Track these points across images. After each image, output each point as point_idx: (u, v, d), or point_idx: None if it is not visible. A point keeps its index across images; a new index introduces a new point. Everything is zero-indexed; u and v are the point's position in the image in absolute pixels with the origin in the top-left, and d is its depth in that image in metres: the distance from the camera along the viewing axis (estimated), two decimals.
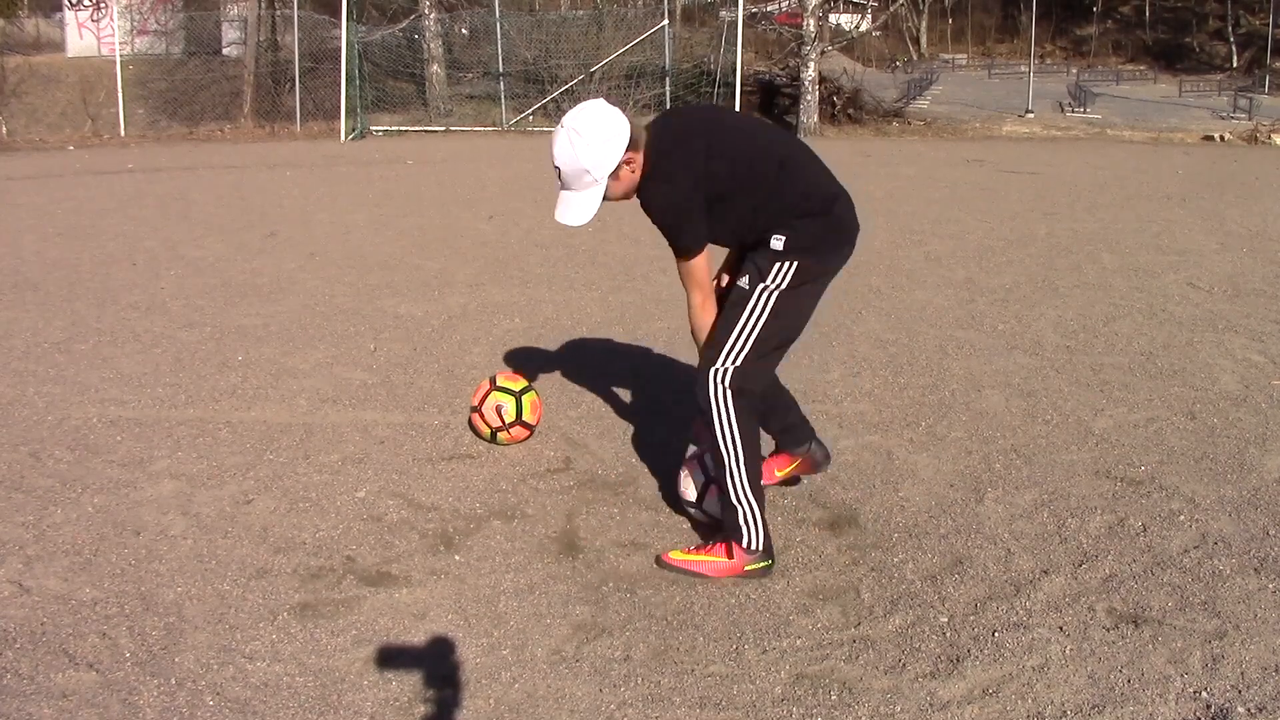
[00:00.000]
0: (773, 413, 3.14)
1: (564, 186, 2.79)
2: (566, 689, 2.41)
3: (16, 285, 6.53)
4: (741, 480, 2.84)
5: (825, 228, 2.83)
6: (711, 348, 2.84)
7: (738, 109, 17.87)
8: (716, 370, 2.81)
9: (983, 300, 6.07)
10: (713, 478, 3.07)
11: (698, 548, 2.98)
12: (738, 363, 2.81)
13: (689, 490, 3.16)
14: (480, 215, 9.31)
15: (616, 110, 2.75)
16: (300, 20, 19.45)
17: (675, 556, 2.95)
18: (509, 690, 2.41)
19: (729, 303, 2.87)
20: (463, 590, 2.85)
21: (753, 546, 2.86)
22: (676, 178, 2.76)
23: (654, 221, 2.84)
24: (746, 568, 2.88)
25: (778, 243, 2.77)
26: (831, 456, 3.31)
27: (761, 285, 2.80)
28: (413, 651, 2.56)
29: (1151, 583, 2.84)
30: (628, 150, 2.72)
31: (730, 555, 2.88)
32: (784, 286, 2.80)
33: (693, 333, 2.93)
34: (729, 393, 2.81)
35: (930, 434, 3.96)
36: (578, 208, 2.79)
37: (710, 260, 2.85)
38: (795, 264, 2.79)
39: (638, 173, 2.78)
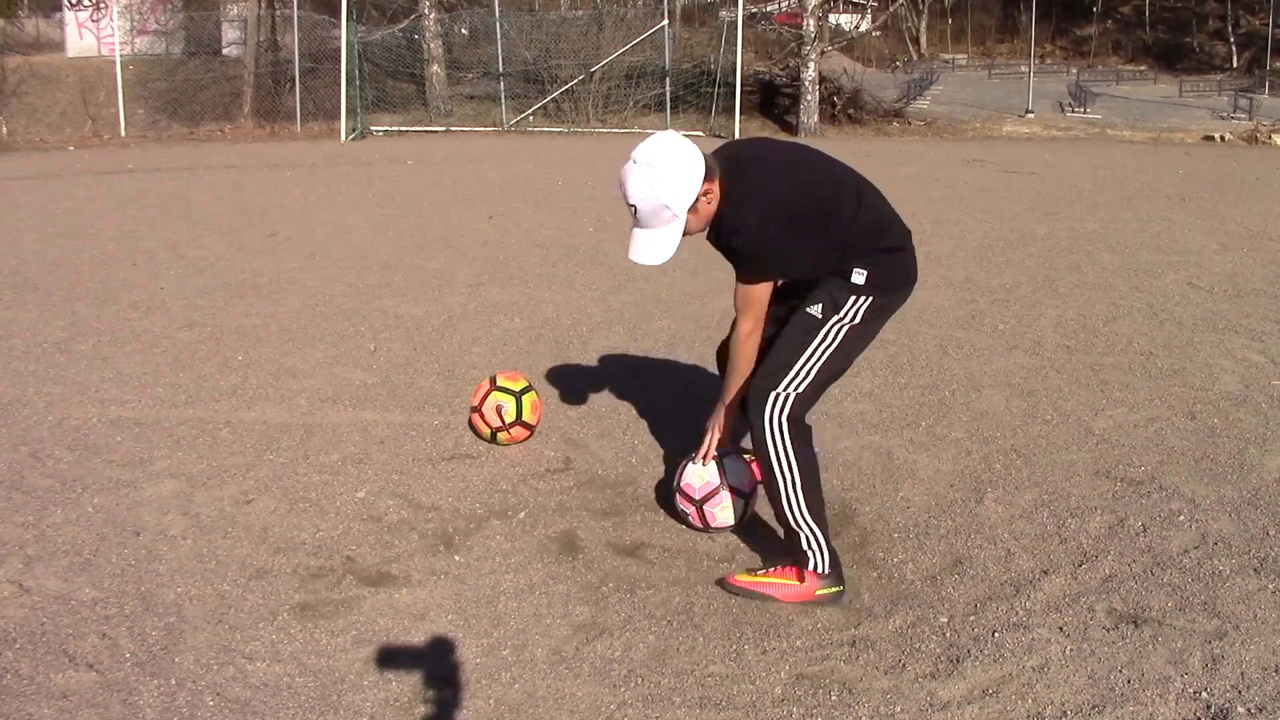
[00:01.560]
0: None
1: (638, 224, 2.68)
2: (566, 689, 2.41)
3: (16, 285, 6.53)
4: (799, 505, 2.73)
5: (901, 265, 2.83)
6: (772, 373, 2.77)
7: (738, 109, 17.89)
8: (777, 395, 2.73)
9: (983, 300, 6.07)
10: (747, 491, 3.08)
11: (766, 570, 2.82)
12: (800, 390, 2.74)
13: (728, 516, 3.10)
14: (480, 215, 9.31)
15: (688, 141, 2.67)
16: (300, 20, 19.45)
17: (742, 579, 2.81)
18: (509, 690, 2.41)
19: (792, 327, 2.81)
20: (463, 590, 2.85)
21: (821, 570, 2.74)
22: (764, 206, 2.68)
23: (733, 248, 2.73)
24: (818, 592, 2.75)
25: (859, 277, 2.74)
26: None
27: (836, 317, 2.77)
28: (413, 651, 2.56)
29: (1151, 583, 2.84)
30: (705, 181, 2.63)
31: (801, 579, 2.75)
32: (856, 321, 2.78)
33: (730, 354, 2.85)
34: (786, 420, 2.72)
35: (930, 434, 3.96)
36: (656, 245, 2.68)
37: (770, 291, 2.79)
38: (871, 300, 2.77)
39: (714, 204, 2.69)
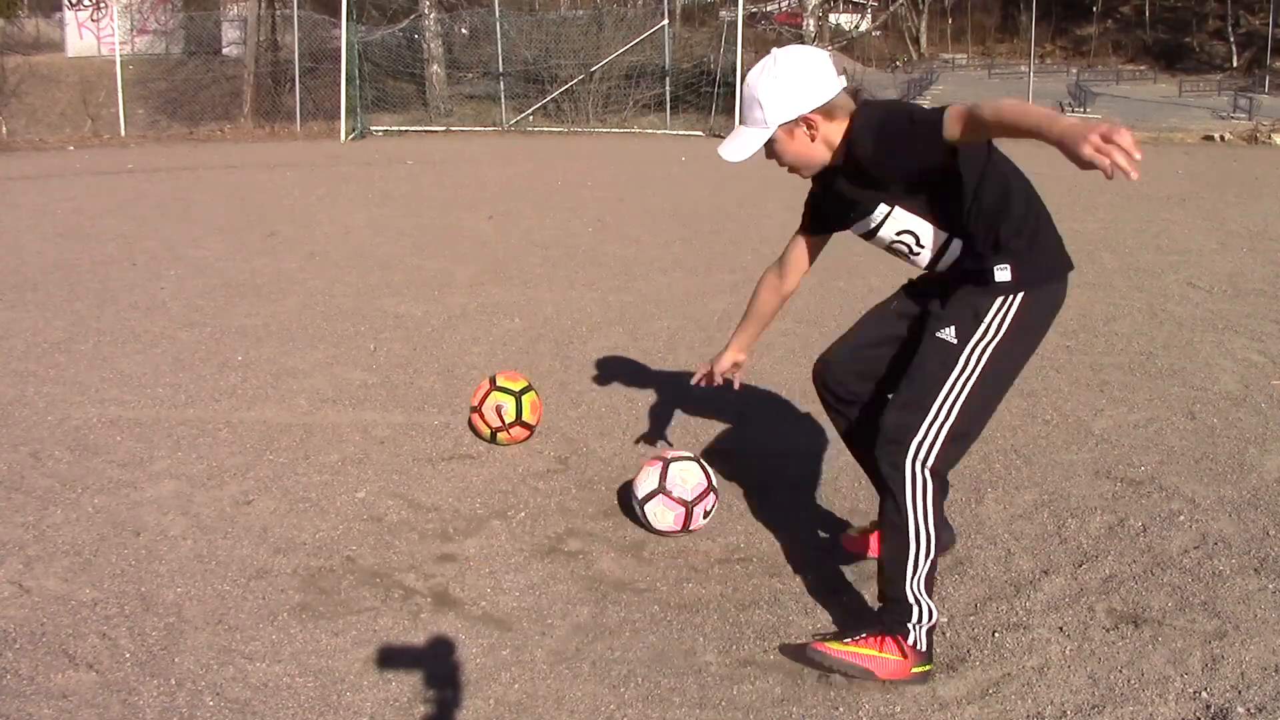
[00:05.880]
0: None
1: (740, 120, 2.45)
2: (566, 689, 2.41)
3: (16, 285, 6.53)
4: (922, 576, 2.40)
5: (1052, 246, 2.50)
6: (910, 411, 2.38)
7: (738, 109, 17.89)
8: (920, 442, 2.35)
9: None
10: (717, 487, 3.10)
11: (856, 639, 2.44)
12: (943, 434, 2.36)
13: (706, 518, 3.13)
14: (480, 215, 9.30)
15: (829, 68, 2.40)
16: (300, 20, 19.43)
17: (834, 647, 2.44)
18: (509, 690, 2.41)
19: (925, 356, 2.44)
20: (463, 590, 2.85)
21: (920, 648, 2.42)
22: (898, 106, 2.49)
23: (904, 140, 2.38)
24: (913, 670, 2.40)
25: (1003, 273, 2.39)
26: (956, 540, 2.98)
27: (979, 334, 2.39)
28: (413, 651, 2.56)
29: (1151, 583, 2.84)
30: (815, 110, 2.36)
31: (902, 654, 2.40)
32: (1003, 336, 2.38)
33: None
34: (930, 473, 2.36)
35: None
36: (736, 142, 2.41)
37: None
38: (1021, 299, 2.41)
39: (816, 145, 2.41)
